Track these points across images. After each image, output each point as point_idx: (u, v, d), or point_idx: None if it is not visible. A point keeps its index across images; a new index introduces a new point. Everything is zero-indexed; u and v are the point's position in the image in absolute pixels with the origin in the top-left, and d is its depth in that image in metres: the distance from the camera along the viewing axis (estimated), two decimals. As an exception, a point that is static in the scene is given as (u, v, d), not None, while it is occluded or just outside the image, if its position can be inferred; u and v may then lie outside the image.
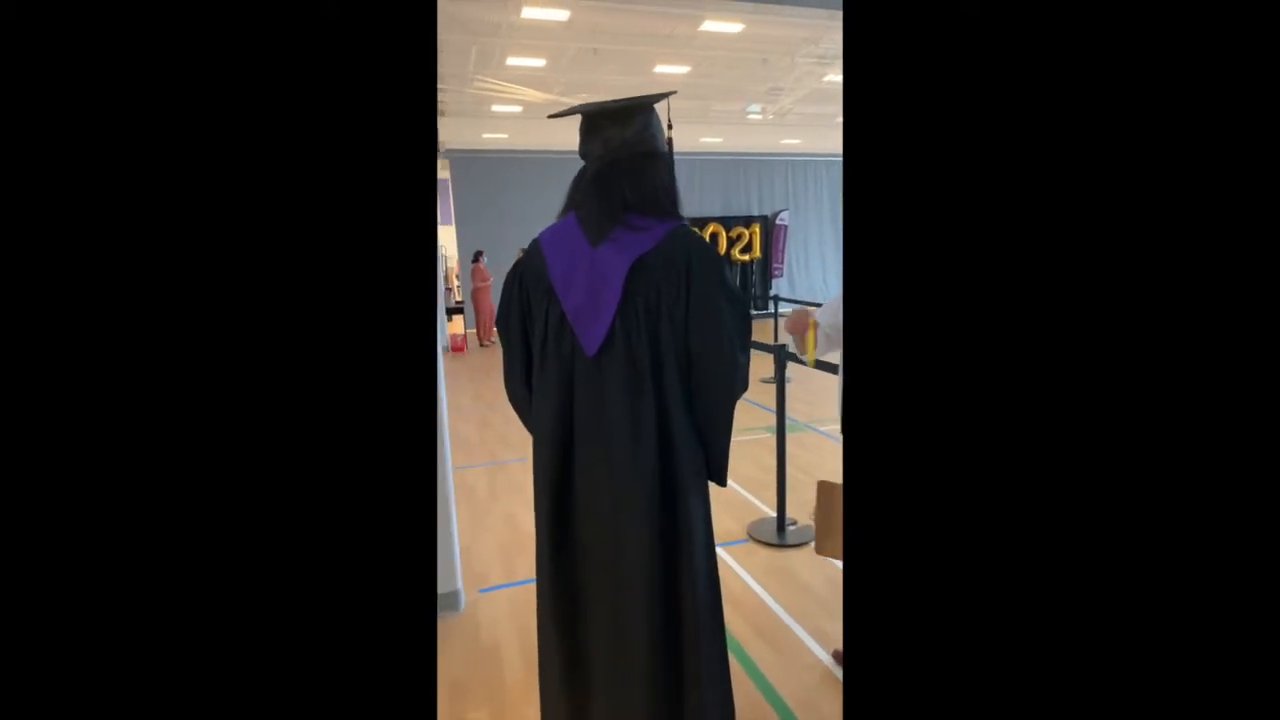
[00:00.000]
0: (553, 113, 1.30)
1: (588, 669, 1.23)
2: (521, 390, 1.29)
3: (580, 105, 1.22)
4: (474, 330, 8.74)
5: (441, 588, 2.18)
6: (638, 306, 1.14)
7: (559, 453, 1.19)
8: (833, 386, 3.76)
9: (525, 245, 1.30)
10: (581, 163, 1.24)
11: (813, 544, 2.64)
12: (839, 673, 1.87)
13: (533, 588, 1.27)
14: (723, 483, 1.28)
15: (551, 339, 1.18)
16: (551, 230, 1.22)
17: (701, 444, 1.23)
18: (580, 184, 1.22)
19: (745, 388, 1.22)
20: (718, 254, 1.18)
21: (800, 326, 1.68)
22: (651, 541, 1.15)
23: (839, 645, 1.97)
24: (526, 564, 2.57)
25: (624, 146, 1.19)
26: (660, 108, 1.24)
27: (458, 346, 8.11)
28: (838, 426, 4.06)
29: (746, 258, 10.45)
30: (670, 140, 1.27)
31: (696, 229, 1.22)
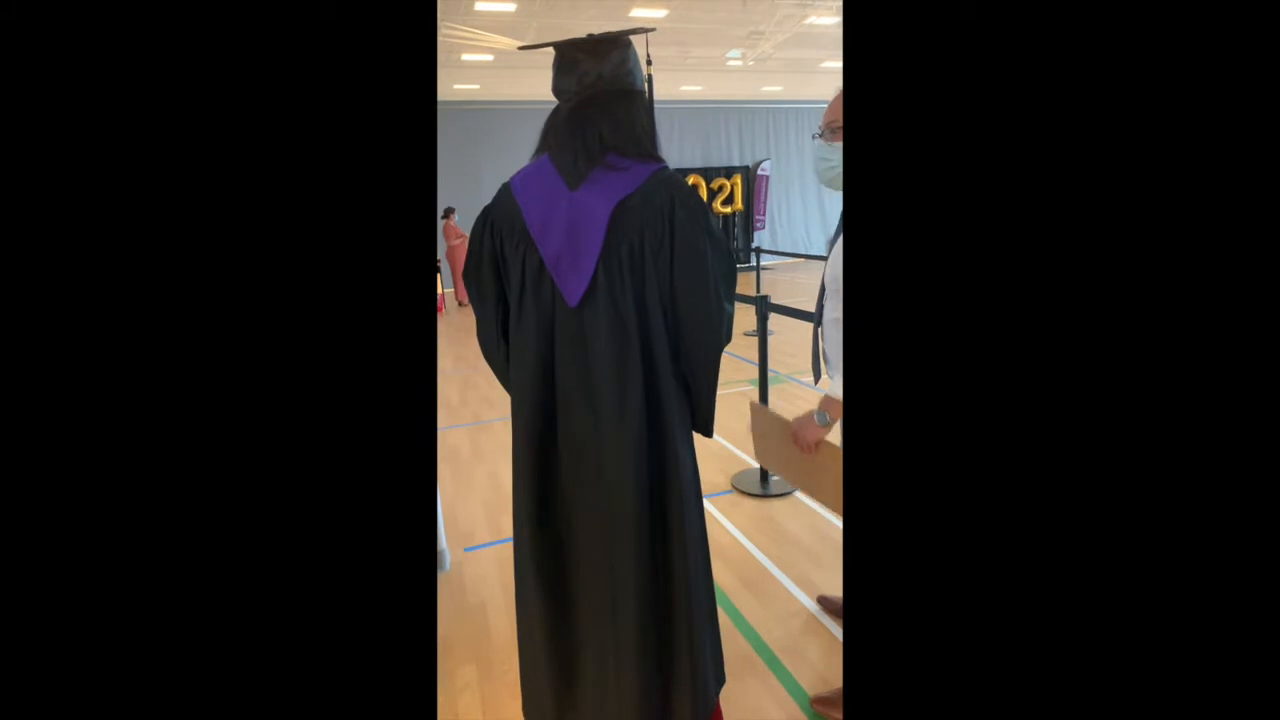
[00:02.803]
0: (525, 44, 1.23)
1: (574, 625, 1.21)
2: (497, 345, 1.23)
3: (555, 41, 1.14)
4: (451, 290, 8.60)
5: (426, 547, 2.18)
6: (620, 253, 1.08)
7: (541, 407, 1.14)
8: (815, 337, 3.74)
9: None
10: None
11: (796, 493, 2.68)
12: (823, 618, 1.90)
13: (517, 545, 1.24)
14: (709, 433, 1.25)
15: (529, 289, 1.12)
16: (523, 173, 1.15)
17: (687, 394, 1.19)
18: (554, 124, 1.15)
19: (729, 338, 1.17)
20: (701, 198, 1.12)
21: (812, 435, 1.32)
22: (641, 495, 1.12)
23: (822, 591, 2.00)
24: (511, 522, 2.55)
25: (601, 82, 1.11)
26: (638, 49, 1.17)
27: (436, 307, 7.98)
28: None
29: (728, 209, 10.30)
30: (650, 78, 1.20)
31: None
